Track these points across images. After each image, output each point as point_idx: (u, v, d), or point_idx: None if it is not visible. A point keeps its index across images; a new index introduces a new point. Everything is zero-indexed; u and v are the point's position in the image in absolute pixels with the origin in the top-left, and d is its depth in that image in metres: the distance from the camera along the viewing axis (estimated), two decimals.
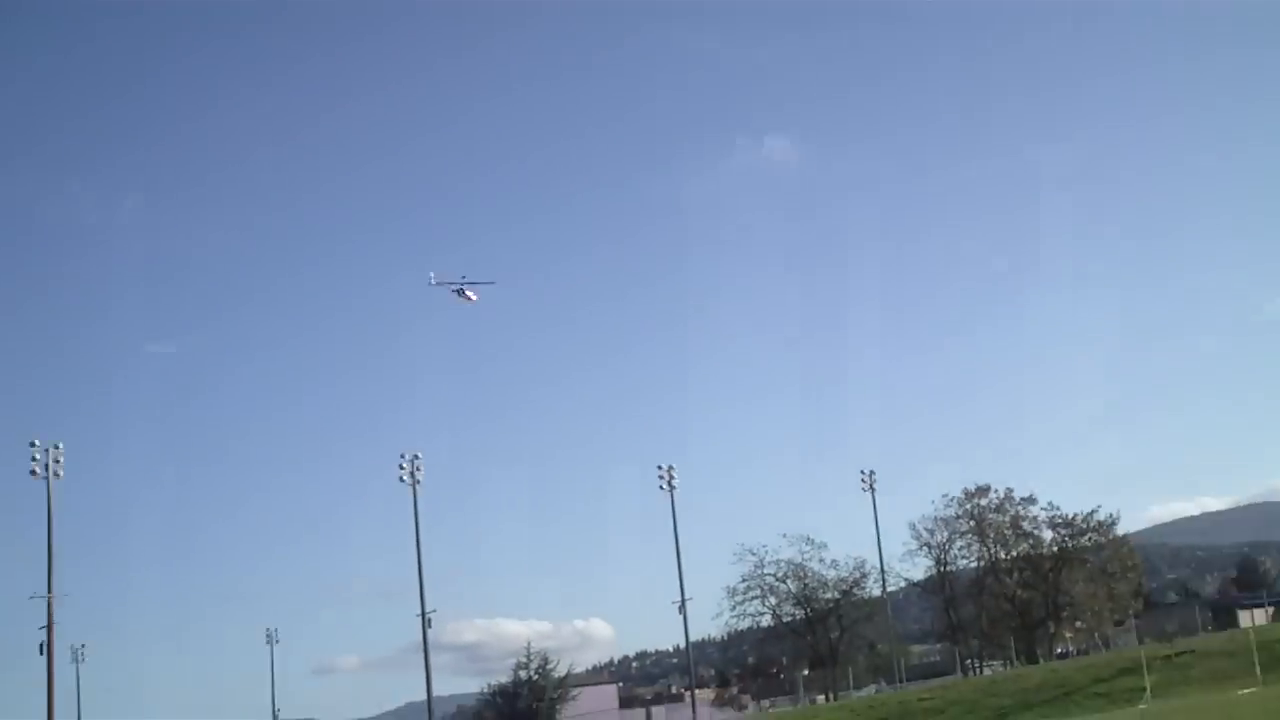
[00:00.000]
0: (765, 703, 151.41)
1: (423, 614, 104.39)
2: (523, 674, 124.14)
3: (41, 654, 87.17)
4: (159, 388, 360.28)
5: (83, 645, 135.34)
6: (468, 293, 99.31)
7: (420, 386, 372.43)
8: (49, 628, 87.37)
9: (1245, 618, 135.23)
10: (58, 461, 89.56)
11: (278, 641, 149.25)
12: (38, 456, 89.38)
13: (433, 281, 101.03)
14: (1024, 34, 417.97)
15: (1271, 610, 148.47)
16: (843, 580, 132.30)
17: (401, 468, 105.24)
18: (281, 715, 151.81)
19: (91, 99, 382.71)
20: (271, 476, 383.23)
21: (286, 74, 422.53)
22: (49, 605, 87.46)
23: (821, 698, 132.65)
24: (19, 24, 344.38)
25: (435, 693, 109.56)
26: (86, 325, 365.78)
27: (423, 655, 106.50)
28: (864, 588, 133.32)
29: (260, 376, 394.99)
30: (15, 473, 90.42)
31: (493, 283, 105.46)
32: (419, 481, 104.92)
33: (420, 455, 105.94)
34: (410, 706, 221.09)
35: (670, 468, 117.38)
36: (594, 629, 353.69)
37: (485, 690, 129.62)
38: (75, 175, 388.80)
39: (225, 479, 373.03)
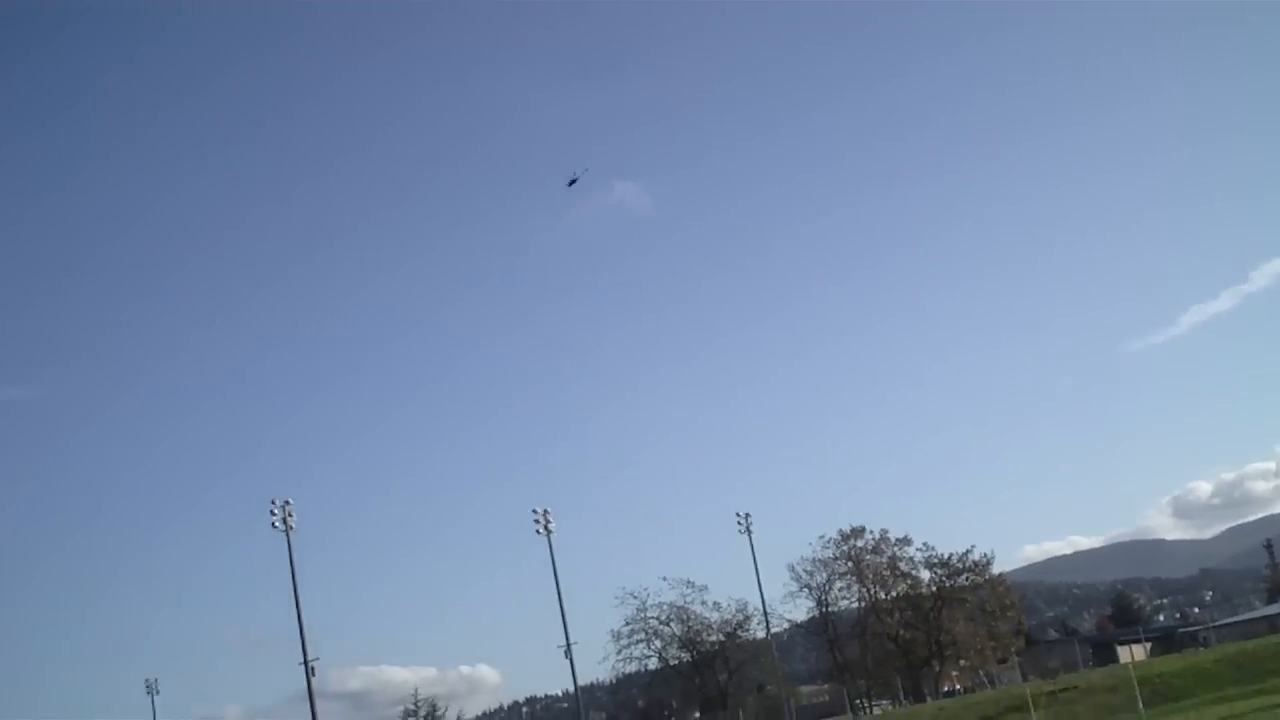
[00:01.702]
0: None
1: (305, 662, 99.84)
2: None
3: None
4: (8, 436, 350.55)
5: None
6: None
7: (292, 430, 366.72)
8: None
9: (1124, 653, 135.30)
10: None
11: (158, 693, 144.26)
12: None
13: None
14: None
15: (1149, 645, 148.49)
16: (726, 622, 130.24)
17: (273, 514, 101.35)
18: None
19: None
20: (145, 525, 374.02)
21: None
22: None
23: None
24: None
25: None
26: None
27: (308, 704, 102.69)
28: (748, 629, 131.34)
29: (127, 423, 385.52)
30: None
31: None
32: (292, 528, 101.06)
33: (291, 501, 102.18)
34: None
35: (545, 511, 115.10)
36: (481, 675, 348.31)
37: None
38: None
39: (99, 530, 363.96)
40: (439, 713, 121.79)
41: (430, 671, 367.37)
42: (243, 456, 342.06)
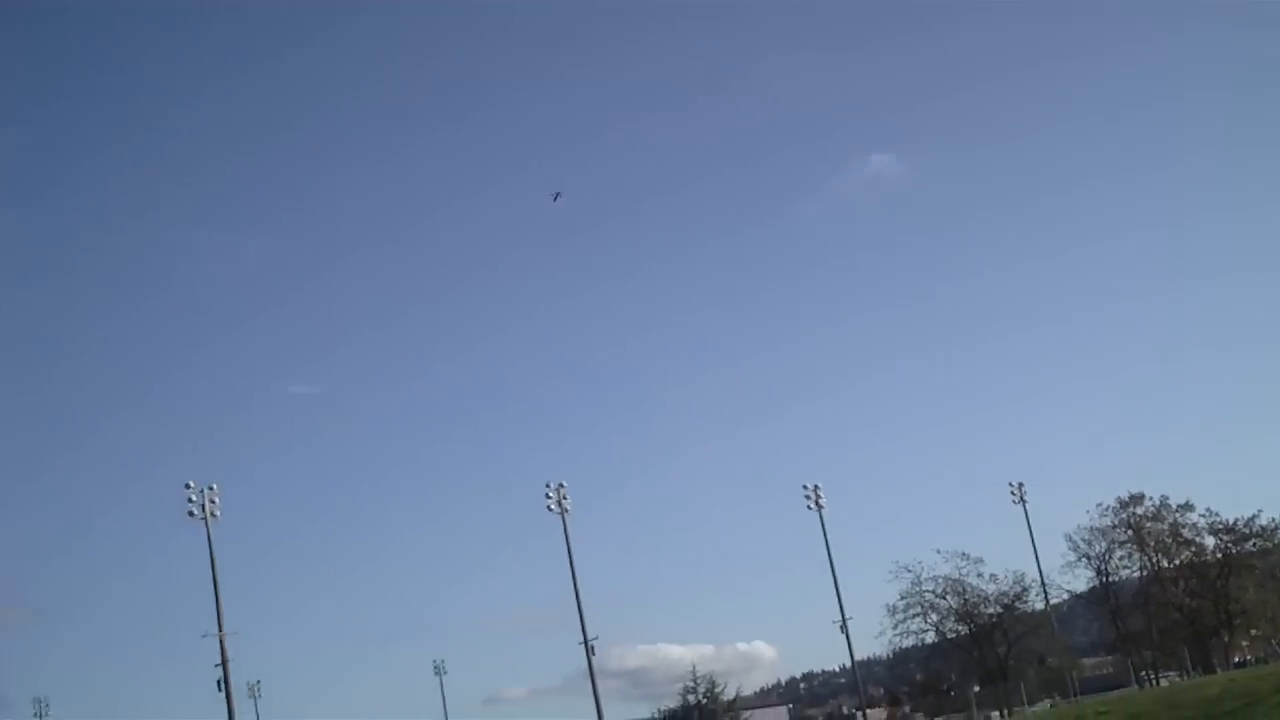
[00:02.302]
0: None
1: (585, 641, 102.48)
2: (691, 698, 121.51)
3: (220, 690, 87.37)
4: (303, 427, 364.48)
5: (258, 682, 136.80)
6: None
7: (566, 416, 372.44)
8: (223, 665, 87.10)
9: None
10: (213, 502, 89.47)
11: (445, 673, 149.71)
12: (194, 498, 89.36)
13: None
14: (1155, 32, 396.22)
15: None
16: (1004, 594, 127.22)
17: (548, 496, 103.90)
18: None
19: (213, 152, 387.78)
20: (430, 509, 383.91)
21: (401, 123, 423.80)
22: (221, 643, 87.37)
23: (995, 714, 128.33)
24: (142, 80, 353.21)
25: (606, 719, 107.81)
26: (230, 370, 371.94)
27: (589, 682, 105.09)
28: (1026, 601, 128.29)
29: (400, 411, 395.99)
30: (175, 515, 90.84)
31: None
32: (566, 510, 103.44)
33: (565, 484, 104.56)
34: None
35: (816, 487, 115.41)
36: (757, 651, 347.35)
37: (655, 715, 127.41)
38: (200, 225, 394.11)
39: (383, 514, 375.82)
40: (717, 689, 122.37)
41: (707, 649, 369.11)
42: (518, 444, 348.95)
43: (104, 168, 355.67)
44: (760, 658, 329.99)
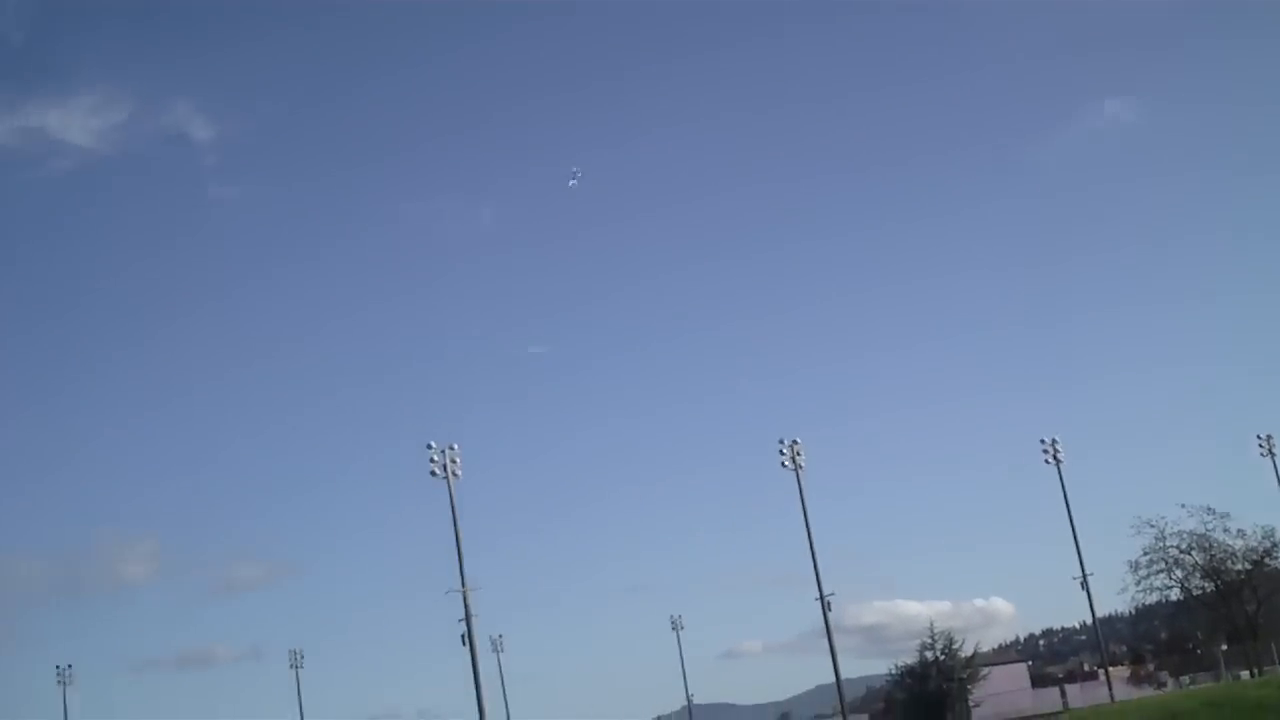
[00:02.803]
0: (1185, 679, 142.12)
1: (821, 598, 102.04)
2: (929, 654, 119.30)
3: (463, 645, 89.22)
4: (539, 387, 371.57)
5: (500, 636, 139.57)
6: None
7: (798, 371, 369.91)
8: (467, 619, 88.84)
9: None
10: (454, 462, 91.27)
11: (683, 628, 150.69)
12: (435, 458, 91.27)
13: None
14: None
15: None
16: (1252, 550, 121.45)
17: (782, 453, 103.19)
18: (695, 699, 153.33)
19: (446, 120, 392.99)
20: (663, 468, 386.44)
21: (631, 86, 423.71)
22: (464, 599, 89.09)
23: (1245, 673, 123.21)
24: (389, 52, 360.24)
25: (842, 675, 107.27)
26: (468, 331, 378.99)
27: (825, 639, 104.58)
28: (1275, 557, 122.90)
29: (634, 370, 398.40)
30: (418, 474, 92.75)
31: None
32: (801, 467, 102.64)
33: (799, 440, 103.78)
34: (820, 689, 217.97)
35: (1054, 440, 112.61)
36: (995, 608, 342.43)
37: (892, 671, 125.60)
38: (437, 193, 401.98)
39: (622, 471, 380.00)
40: (955, 646, 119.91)
41: (944, 605, 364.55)
42: (753, 402, 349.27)
43: (344, 139, 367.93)
44: (998, 614, 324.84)
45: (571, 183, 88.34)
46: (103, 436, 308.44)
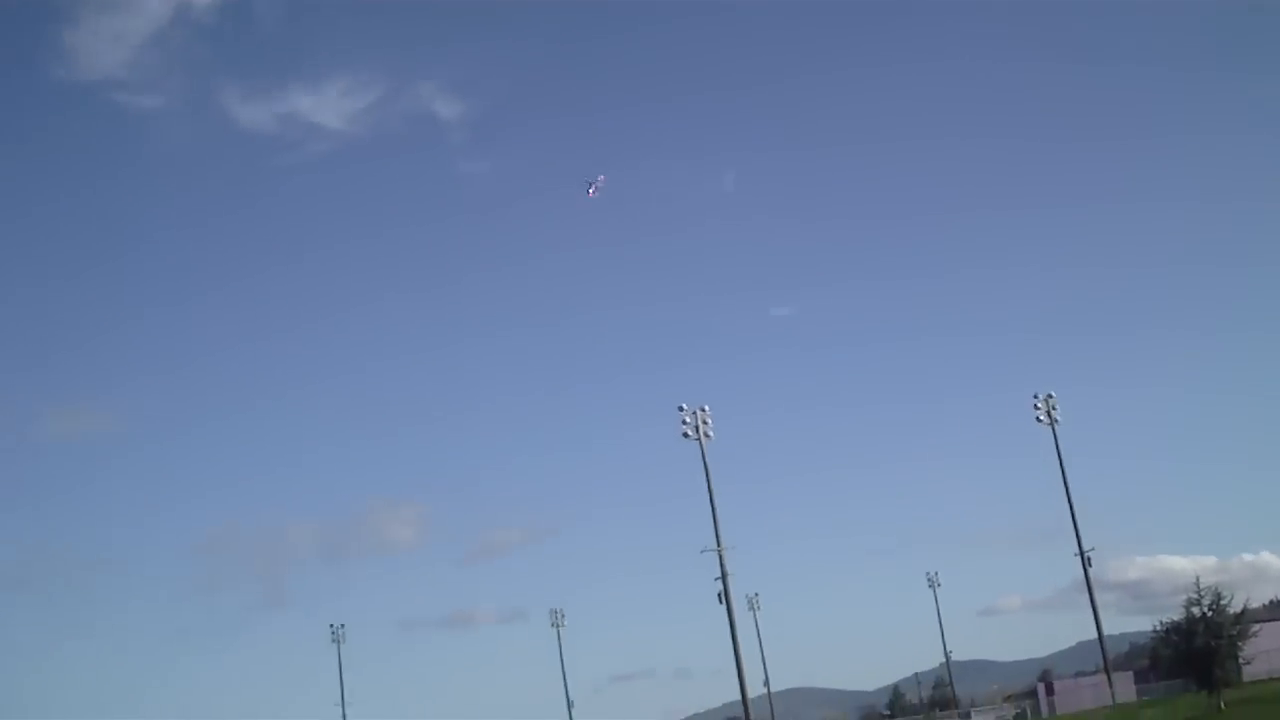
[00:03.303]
0: None
1: (1080, 553, 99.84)
2: (1195, 611, 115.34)
3: (720, 603, 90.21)
4: (785, 349, 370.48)
5: (756, 594, 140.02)
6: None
7: (1055, 323, 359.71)
8: (723, 578, 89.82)
9: None
10: (706, 423, 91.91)
11: (939, 585, 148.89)
12: (687, 420, 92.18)
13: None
14: None
15: None
16: None
17: (1036, 408, 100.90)
18: (953, 655, 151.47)
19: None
20: (917, 426, 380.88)
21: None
22: (720, 558, 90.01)
23: None
24: (629, 20, 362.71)
25: (1104, 631, 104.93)
26: (715, 295, 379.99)
27: (1086, 594, 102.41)
28: None
29: (875, 330, 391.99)
30: (670, 436, 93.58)
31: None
32: (1056, 421, 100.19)
33: (1054, 395, 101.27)
34: (1081, 646, 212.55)
35: None
36: (1264, 562, 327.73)
37: (1157, 628, 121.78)
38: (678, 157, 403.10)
39: (870, 432, 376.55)
40: (1224, 602, 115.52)
41: (1209, 560, 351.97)
42: (1007, 358, 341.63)
43: (584, 111, 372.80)
44: (1268, 568, 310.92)
45: (591, 192, 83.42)
46: (369, 410, 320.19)
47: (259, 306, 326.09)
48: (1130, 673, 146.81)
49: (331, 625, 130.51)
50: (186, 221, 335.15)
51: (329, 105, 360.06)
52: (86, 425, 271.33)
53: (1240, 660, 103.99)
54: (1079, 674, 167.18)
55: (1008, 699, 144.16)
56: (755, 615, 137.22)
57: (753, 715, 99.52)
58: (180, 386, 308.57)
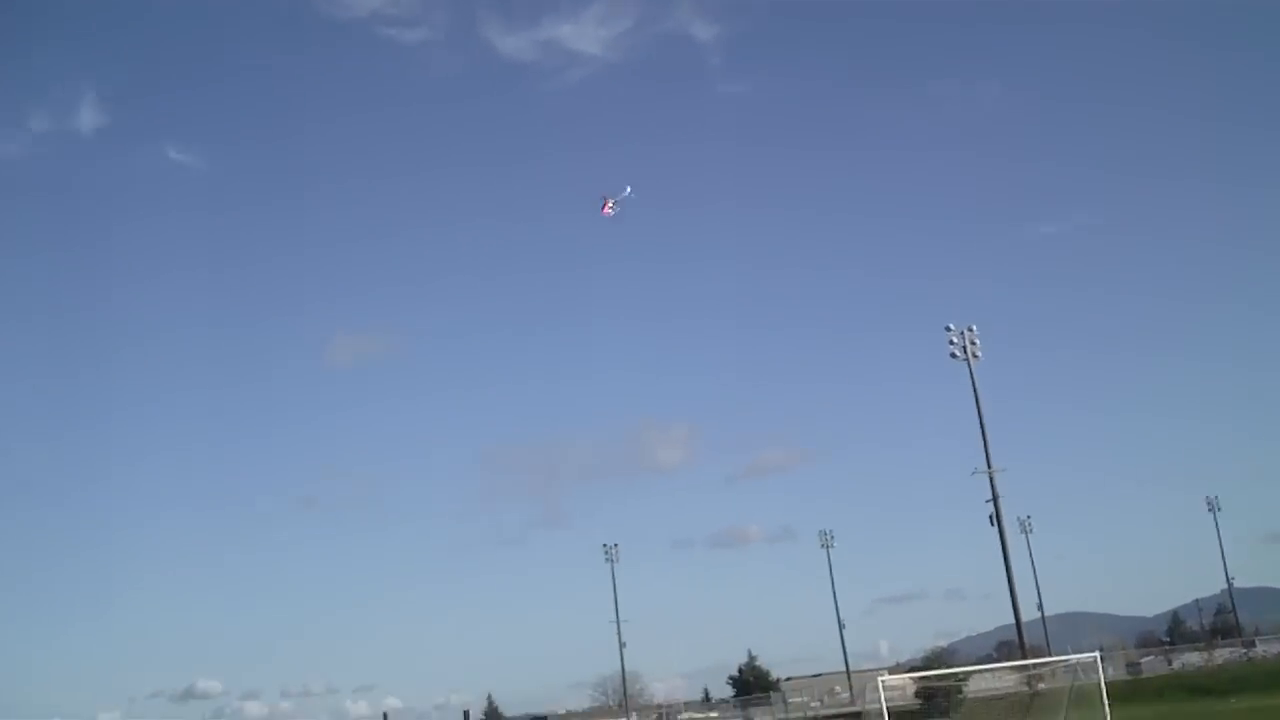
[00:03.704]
0: None
1: None
2: None
3: (991, 525, 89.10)
4: (1053, 267, 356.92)
5: (1028, 517, 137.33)
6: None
7: None
8: (994, 500, 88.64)
9: None
10: (974, 344, 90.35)
11: (1219, 509, 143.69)
12: (954, 340, 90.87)
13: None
14: None
15: None
16: None
17: None
18: (1235, 582, 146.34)
19: None
20: (1195, 342, 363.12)
21: None
22: (990, 480, 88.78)
23: None
24: None
25: None
26: (978, 210, 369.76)
27: None
28: None
29: (1147, 247, 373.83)
30: (938, 357, 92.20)
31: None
32: None
33: None
34: None
35: None
36: None
37: None
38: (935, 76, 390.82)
39: (1142, 350, 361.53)
40: None
41: None
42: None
43: (840, 31, 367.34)
44: None
45: (613, 206, 72.67)
46: (647, 334, 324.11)
47: (532, 231, 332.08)
48: None
49: (605, 545, 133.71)
50: (451, 152, 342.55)
51: (587, 32, 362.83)
52: (373, 348, 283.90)
53: None
54: None
55: None
56: (1028, 538, 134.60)
57: (1026, 639, 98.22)
58: (459, 308, 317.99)
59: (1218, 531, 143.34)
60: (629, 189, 54.55)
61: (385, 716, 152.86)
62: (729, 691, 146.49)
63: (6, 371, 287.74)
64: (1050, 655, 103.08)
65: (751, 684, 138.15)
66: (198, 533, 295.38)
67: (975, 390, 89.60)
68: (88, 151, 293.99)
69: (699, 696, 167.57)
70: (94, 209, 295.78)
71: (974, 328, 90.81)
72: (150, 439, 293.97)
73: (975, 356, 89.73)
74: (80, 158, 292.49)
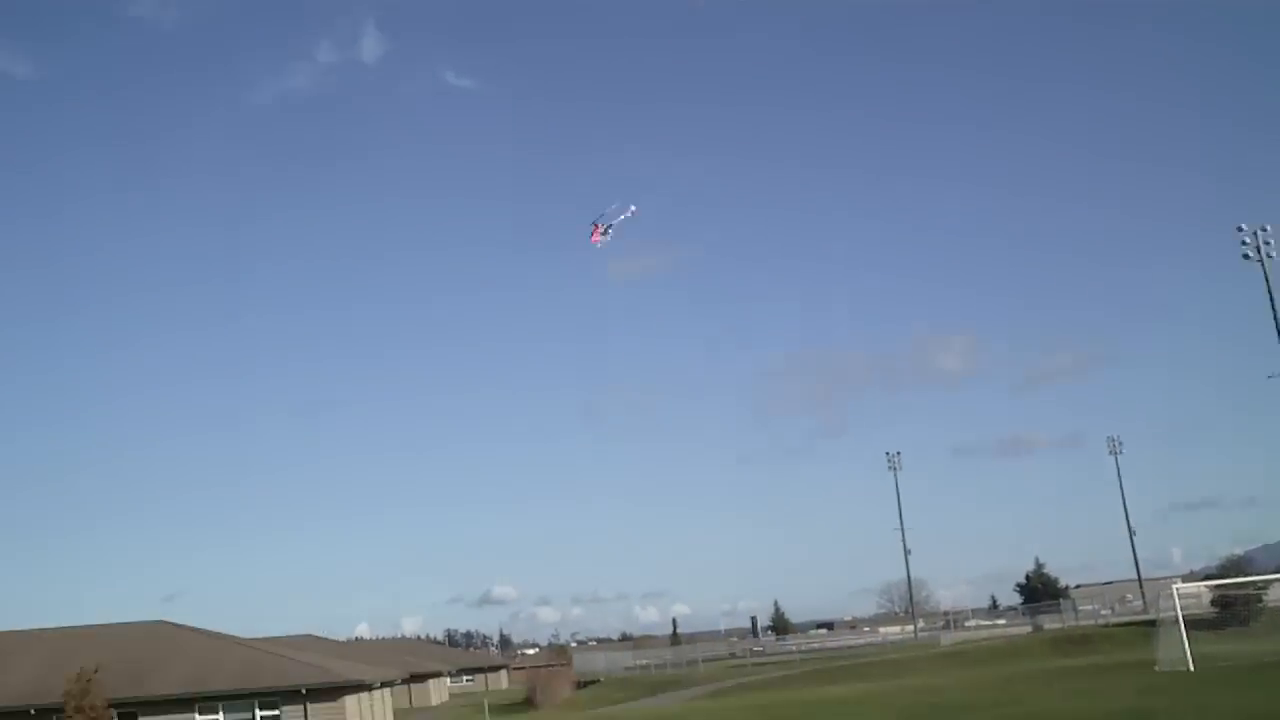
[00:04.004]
0: None
1: None
2: None
3: None
4: None
5: None
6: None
7: None
8: None
9: None
10: (1267, 244, 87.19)
11: None
12: (1247, 240, 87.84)
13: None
14: None
15: None
16: None
17: None
18: None
19: None
20: None
21: None
22: None
23: None
24: None
25: None
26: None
27: None
28: None
29: None
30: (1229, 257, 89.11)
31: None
32: None
33: None
34: None
35: None
36: None
37: None
38: None
39: None
40: None
41: None
42: None
43: None
44: None
45: (605, 233, 66.74)
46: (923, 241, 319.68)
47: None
48: None
49: (887, 453, 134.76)
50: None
51: None
52: (647, 267, 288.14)
53: None
54: None
55: None
56: None
57: None
58: (742, 224, 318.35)
59: None
60: (633, 208, 52.12)
61: (674, 622, 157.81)
62: (1016, 599, 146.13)
63: (304, 300, 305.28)
64: None
65: (1039, 591, 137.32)
66: (485, 444, 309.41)
67: (1270, 292, 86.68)
68: (371, 80, 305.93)
69: (985, 604, 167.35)
70: (377, 134, 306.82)
71: (1267, 227, 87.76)
72: (458, 347, 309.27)
73: (1270, 257, 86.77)
74: (364, 86, 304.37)
